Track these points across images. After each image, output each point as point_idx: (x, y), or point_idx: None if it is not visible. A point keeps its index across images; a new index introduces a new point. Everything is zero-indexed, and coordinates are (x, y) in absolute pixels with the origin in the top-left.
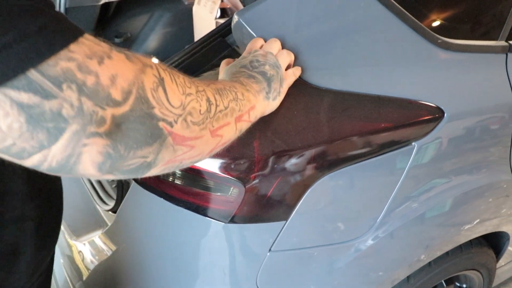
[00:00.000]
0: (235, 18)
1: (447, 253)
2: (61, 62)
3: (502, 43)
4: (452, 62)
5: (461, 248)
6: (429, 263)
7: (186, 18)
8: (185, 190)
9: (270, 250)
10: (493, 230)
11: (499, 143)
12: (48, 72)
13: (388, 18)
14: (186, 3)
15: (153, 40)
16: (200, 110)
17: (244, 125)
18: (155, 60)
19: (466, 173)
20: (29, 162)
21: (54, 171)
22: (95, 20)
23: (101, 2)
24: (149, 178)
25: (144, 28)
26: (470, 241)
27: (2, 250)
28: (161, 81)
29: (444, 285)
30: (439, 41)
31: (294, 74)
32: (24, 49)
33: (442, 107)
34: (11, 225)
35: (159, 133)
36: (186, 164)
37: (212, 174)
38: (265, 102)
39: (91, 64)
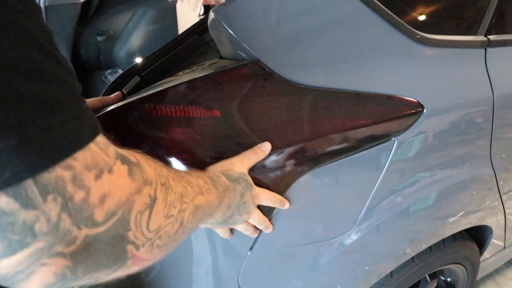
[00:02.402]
0: (211, 15)
1: (430, 248)
2: (58, 169)
3: (481, 38)
4: (431, 57)
5: (444, 242)
6: (412, 258)
7: (169, 16)
8: None
9: (250, 249)
10: (477, 223)
11: (479, 138)
12: (40, 179)
13: (366, 14)
14: (169, 0)
15: (137, 38)
16: (169, 234)
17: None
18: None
19: (448, 167)
20: None
21: None
22: (76, 18)
23: (82, 0)
24: None
25: (127, 26)
26: (453, 235)
27: None
28: (152, 203)
29: (428, 279)
30: (417, 36)
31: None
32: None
33: (422, 102)
34: None
35: (123, 256)
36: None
37: None
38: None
39: (87, 177)
